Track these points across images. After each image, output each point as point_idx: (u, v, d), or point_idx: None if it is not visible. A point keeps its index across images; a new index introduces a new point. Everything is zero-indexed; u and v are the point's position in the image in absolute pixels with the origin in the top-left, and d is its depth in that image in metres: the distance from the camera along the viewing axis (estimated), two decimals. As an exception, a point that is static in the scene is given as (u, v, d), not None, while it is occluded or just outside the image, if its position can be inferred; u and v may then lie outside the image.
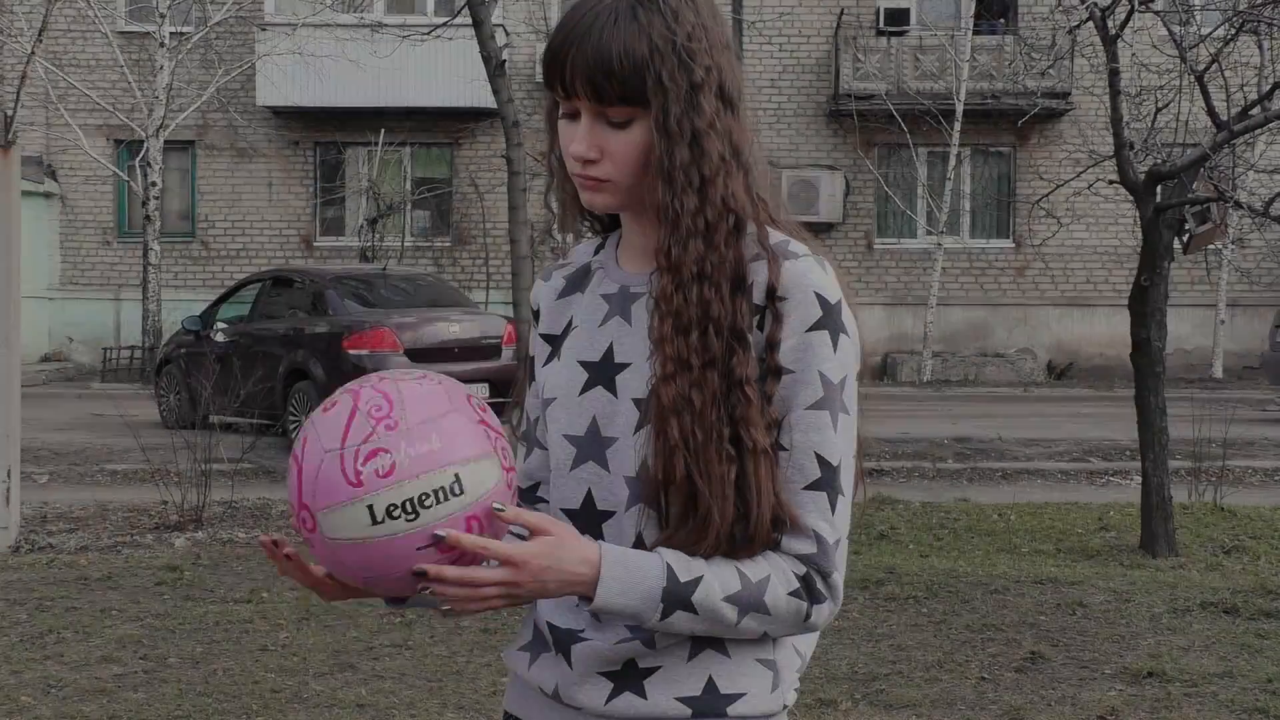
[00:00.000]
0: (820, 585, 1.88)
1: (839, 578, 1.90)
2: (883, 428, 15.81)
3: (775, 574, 1.86)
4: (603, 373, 1.97)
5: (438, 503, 1.76)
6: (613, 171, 1.91)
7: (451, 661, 6.50)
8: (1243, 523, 10.60)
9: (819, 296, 1.88)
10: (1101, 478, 13.51)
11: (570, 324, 2.06)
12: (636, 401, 1.91)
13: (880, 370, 24.95)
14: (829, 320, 1.88)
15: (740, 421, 1.85)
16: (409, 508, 1.75)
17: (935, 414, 18.16)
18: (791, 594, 1.86)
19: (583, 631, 1.93)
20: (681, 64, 1.87)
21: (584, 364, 1.99)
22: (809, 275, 1.90)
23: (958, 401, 20.48)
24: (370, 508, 1.75)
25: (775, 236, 1.95)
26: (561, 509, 1.98)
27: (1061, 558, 9.46)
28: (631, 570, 1.82)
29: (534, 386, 2.11)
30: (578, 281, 2.10)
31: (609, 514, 1.94)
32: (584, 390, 1.98)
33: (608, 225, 2.10)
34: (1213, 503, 11.11)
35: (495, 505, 1.79)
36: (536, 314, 2.13)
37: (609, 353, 1.98)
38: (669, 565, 1.82)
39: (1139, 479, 9.86)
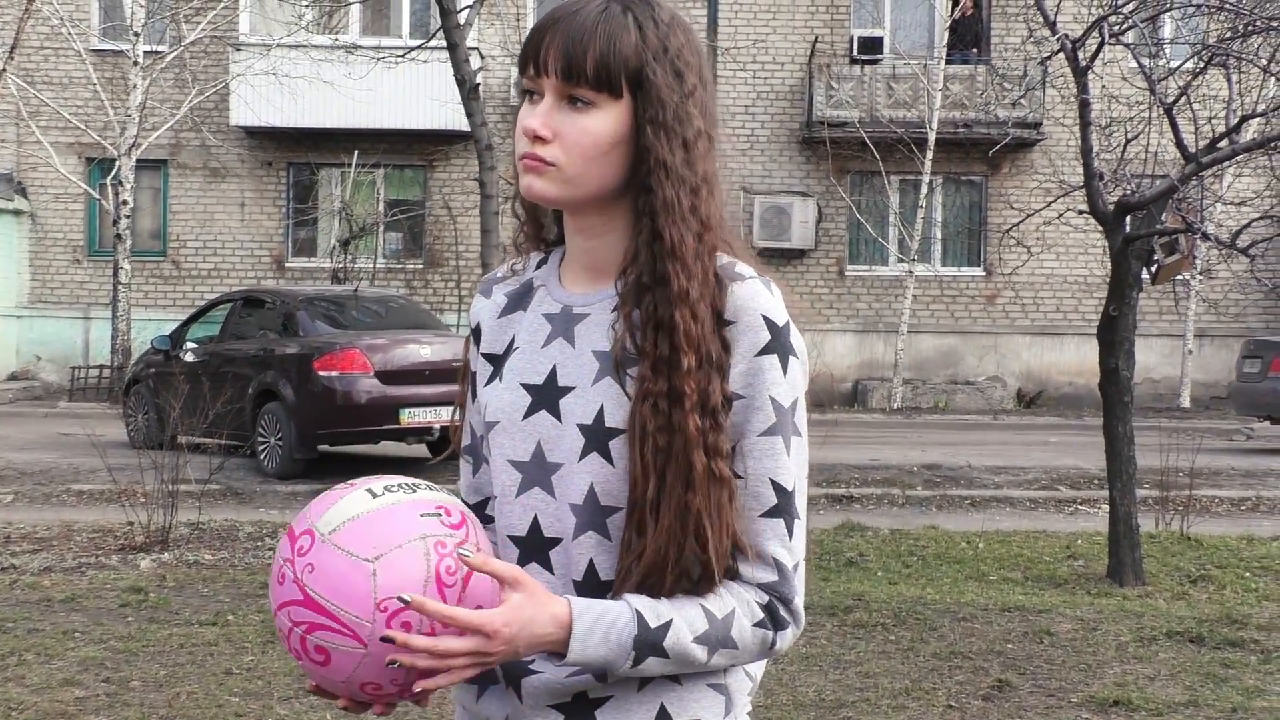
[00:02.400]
0: (783, 612, 1.88)
1: (800, 601, 1.90)
2: (853, 454, 15.83)
3: (739, 607, 1.86)
4: (546, 396, 1.93)
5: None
6: (560, 155, 1.88)
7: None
8: (1209, 552, 10.64)
9: (766, 320, 1.87)
10: (1070, 506, 13.54)
11: (512, 344, 2.02)
12: (582, 428, 1.89)
13: (851, 397, 24.98)
14: (777, 343, 1.87)
15: (711, 450, 1.84)
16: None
17: (905, 441, 18.19)
18: (756, 624, 1.87)
19: (532, 663, 1.91)
20: (674, 70, 1.88)
21: (527, 387, 1.95)
22: (756, 298, 1.88)
23: (928, 429, 20.53)
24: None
25: (722, 258, 1.93)
26: (508, 536, 1.96)
27: (1029, 586, 9.48)
28: (602, 623, 1.80)
29: (476, 404, 2.08)
30: (519, 299, 2.05)
31: (556, 541, 1.92)
32: (528, 414, 1.94)
33: (553, 243, 2.07)
34: (1180, 532, 11.15)
35: (462, 551, 1.77)
36: (477, 330, 2.09)
37: (552, 376, 1.94)
38: (638, 612, 1.81)
39: (1107, 508, 9.89)
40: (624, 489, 1.87)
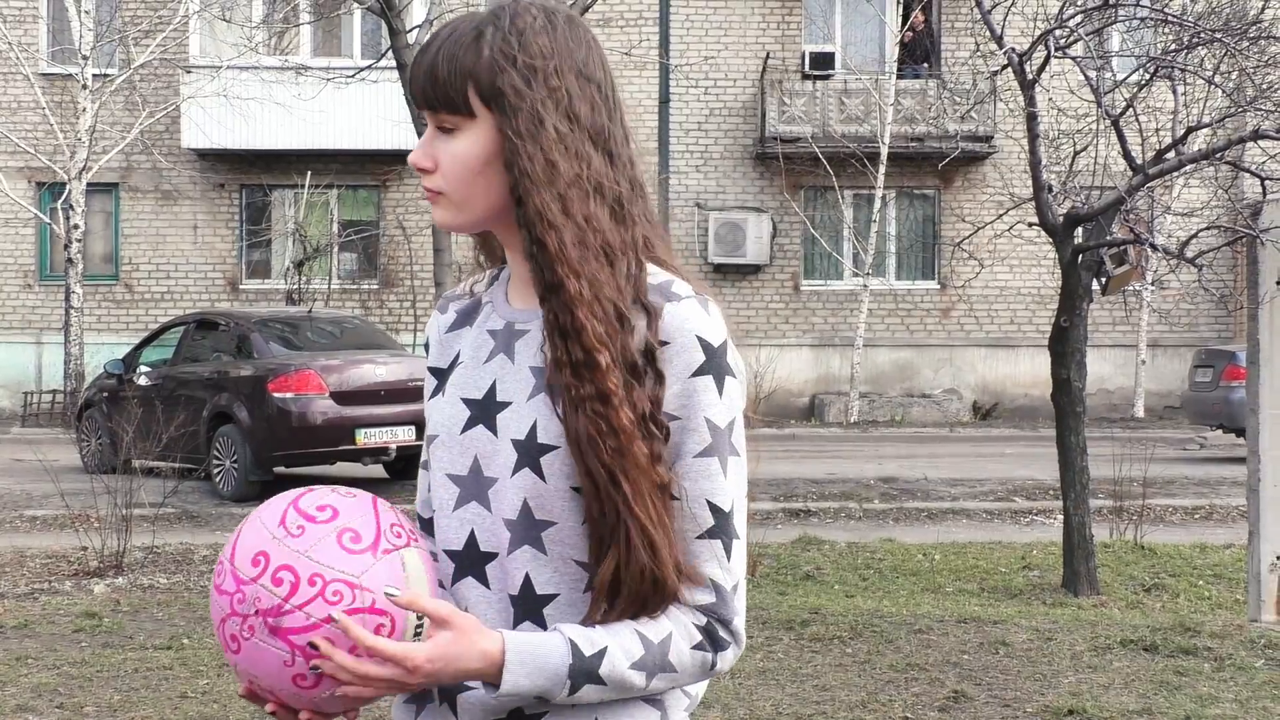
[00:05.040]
0: (723, 633, 1.88)
1: (740, 622, 1.90)
2: (810, 468, 15.88)
3: (676, 629, 1.86)
4: (484, 411, 1.93)
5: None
6: (443, 183, 1.92)
7: (375, 705, 6.44)
8: (1163, 561, 10.72)
9: (701, 340, 1.86)
10: (1025, 517, 13.61)
11: (457, 359, 2.03)
12: (515, 443, 1.89)
13: (807, 411, 25.04)
14: (712, 364, 1.86)
15: (655, 458, 1.84)
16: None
17: (862, 455, 18.24)
18: (695, 647, 1.86)
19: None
20: (525, 78, 1.87)
21: (466, 401, 1.96)
22: (690, 319, 1.86)
23: (884, 442, 20.59)
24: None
25: (658, 276, 1.92)
26: (445, 550, 1.96)
27: (985, 597, 9.52)
28: (535, 654, 1.80)
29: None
30: (468, 315, 2.07)
31: (491, 556, 1.92)
32: (466, 428, 1.94)
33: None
34: (1134, 541, 11.23)
35: (388, 590, 1.79)
36: (427, 345, 2.11)
37: (491, 391, 1.94)
38: (572, 641, 1.81)
39: (1062, 518, 9.95)
40: (557, 503, 1.87)
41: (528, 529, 1.89)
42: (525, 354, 1.94)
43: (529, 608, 1.90)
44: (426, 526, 2.08)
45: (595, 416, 1.82)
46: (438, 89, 1.88)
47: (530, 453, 1.88)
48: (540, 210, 1.86)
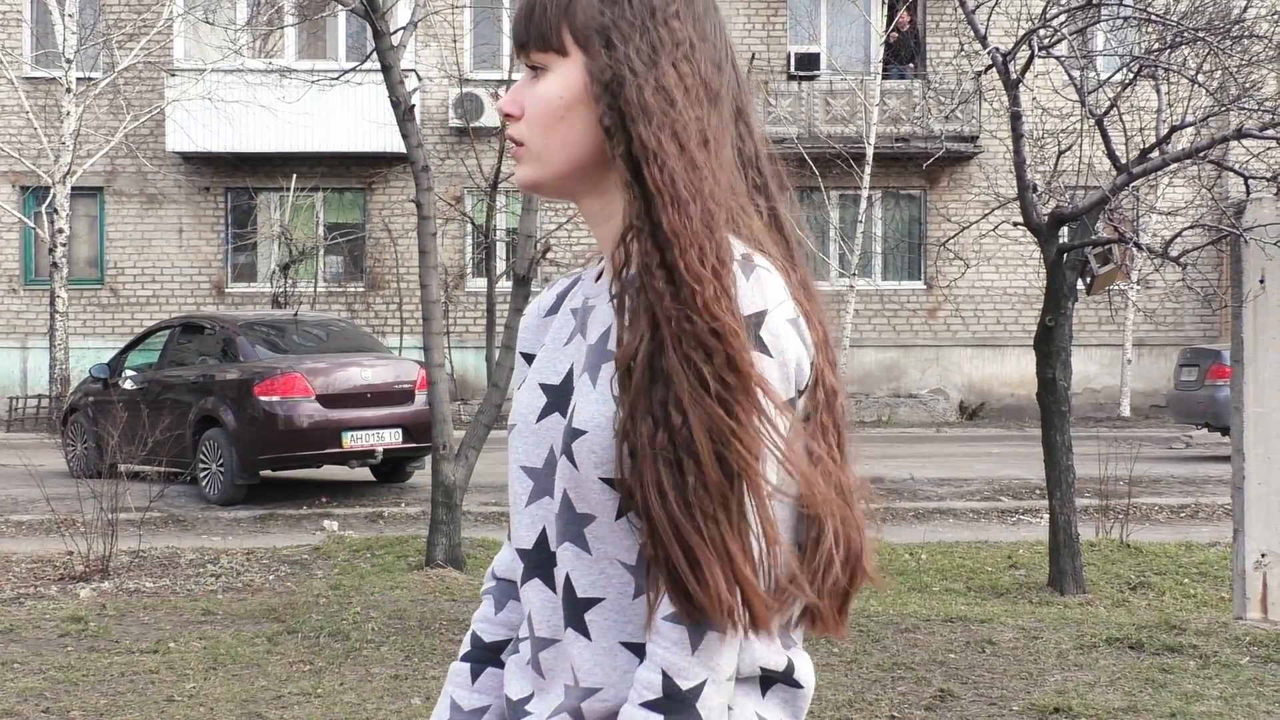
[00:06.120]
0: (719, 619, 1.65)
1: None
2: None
3: (665, 662, 1.65)
4: (561, 397, 1.77)
5: None
6: (525, 131, 1.77)
7: (361, 709, 6.43)
8: (1148, 559, 10.74)
9: None
10: (1012, 516, 13.63)
11: (544, 343, 1.88)
12: (564, 430, 1.72)
13: (794, 412, 25.01)
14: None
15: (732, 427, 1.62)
16: None
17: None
18: (694, 650, 1.65)
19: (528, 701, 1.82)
20: (634, 20, 1.73)
21: (544, 387, 1.80)
22: None
23: (871, 442, 20.61)
24: None
25: (737, 248, 1.71)
26: (518, 549, 1.82)
27: (971, 596, 9.54)
28: None
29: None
30: (562, 297, 1.91)
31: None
32: (541, 416, 1.78)
33: None
34: (1119, 540, 11.25)
35: None
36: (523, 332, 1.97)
37: (569, 375, 1.78)
38: None
39: (1048, 517, 9.96)
40: (592, 495, 1.69)
41: (569, 523, 1.72)
42: (591, 331, 1.78)
43: (572, 611, 1.73)
44: (501, 591, 1.97)
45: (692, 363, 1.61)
46: (530, 27, 1.75)
47: (567, 438, 1.71)
48: (647, 143, 1.67)
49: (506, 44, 23.15)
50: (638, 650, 1.69)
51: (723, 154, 1.73)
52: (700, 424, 1.59)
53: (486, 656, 1.93)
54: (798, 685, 1.78)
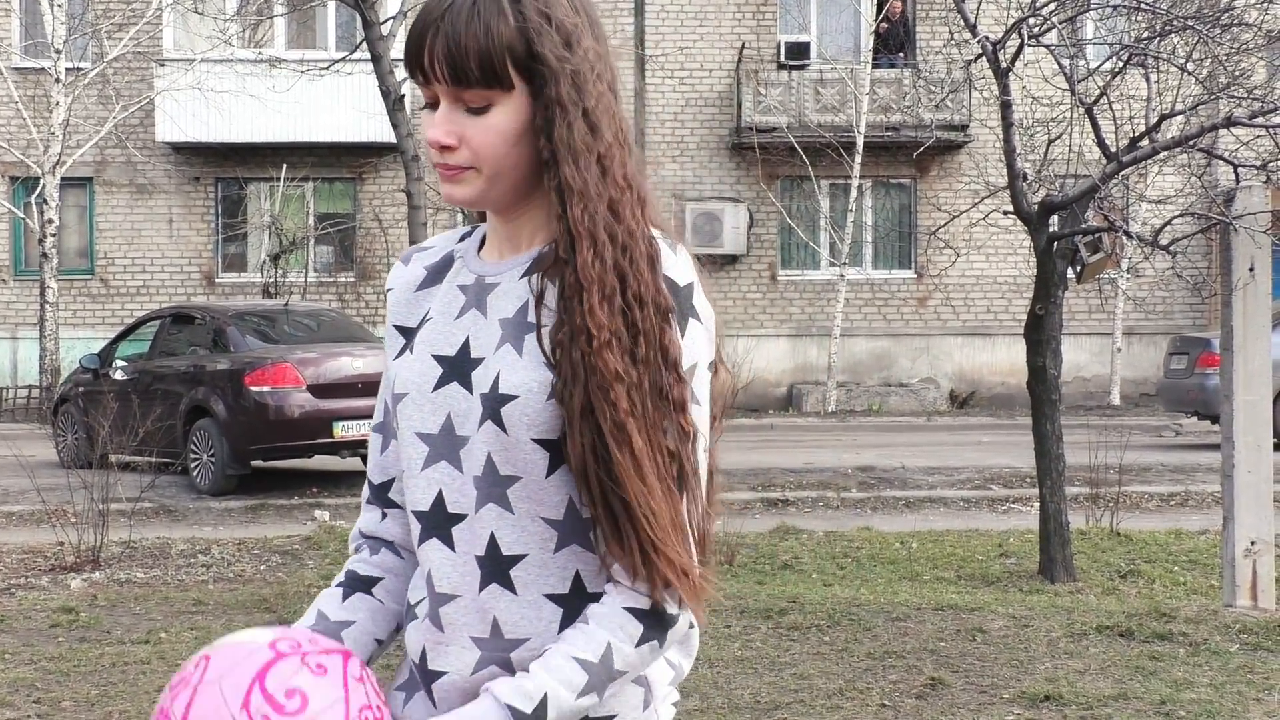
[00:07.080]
0: (670, 609, 1.81)
1: (696, 575, 1.82)
2: (788, 458, 15.89)
3: (614, 636, 1.80)
4: (457, 368, 1.88)
5: None
6: (472, 158, 1.84)
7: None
8: (1138, 547, 10.77)
9: (667, 280, 1.81)
10: (1003, 505, 13.66)
11: (426, 316, 1.98)
12: (482, 397, 1.83)
13: (785, 401, 25.08)
14: (677, 305, 1.81)
15: (677, 405, 1.80)
16: None
17: (840, 444, 18.27)
18: (639, 643, 1.80)
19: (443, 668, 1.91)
20: (565, 43, 1.81)
21: (438, 358, 1.91)
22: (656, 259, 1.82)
23: (862, 431, 20.63)
24: None
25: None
26: (413, 511, 1.92)
27: (962, 585, 9.56)
28: None
29: (385, 377, 2.02)
30: (438, 272, 2.02)
31: (460, 517, 1.86)
32: (438, 386, 1.89)
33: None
34: (1110, 528, 11.28)
35: None
36: (389, 295, 2.06)
37: (465, 347, 1.89)
38: (509, 707, 1.76)
39: (1038, 505, 9.99)
40: (520, 456, 1.82)
41: (492, 485, 1.84)
42: (495, 307, 1.89)
43: (496, 569, 1.85)
44: (376, 493, 2.06)
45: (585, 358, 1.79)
46: (471, 63, 1.80)
47: (492, 404, 1.82)
48: (572, 180, 1.82)
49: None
50: (560, 601, 1.85)
51: (633, 147, 1.89)
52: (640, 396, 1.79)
53: (358, 585, 2.04)
54: (692, 626, 1.94)
